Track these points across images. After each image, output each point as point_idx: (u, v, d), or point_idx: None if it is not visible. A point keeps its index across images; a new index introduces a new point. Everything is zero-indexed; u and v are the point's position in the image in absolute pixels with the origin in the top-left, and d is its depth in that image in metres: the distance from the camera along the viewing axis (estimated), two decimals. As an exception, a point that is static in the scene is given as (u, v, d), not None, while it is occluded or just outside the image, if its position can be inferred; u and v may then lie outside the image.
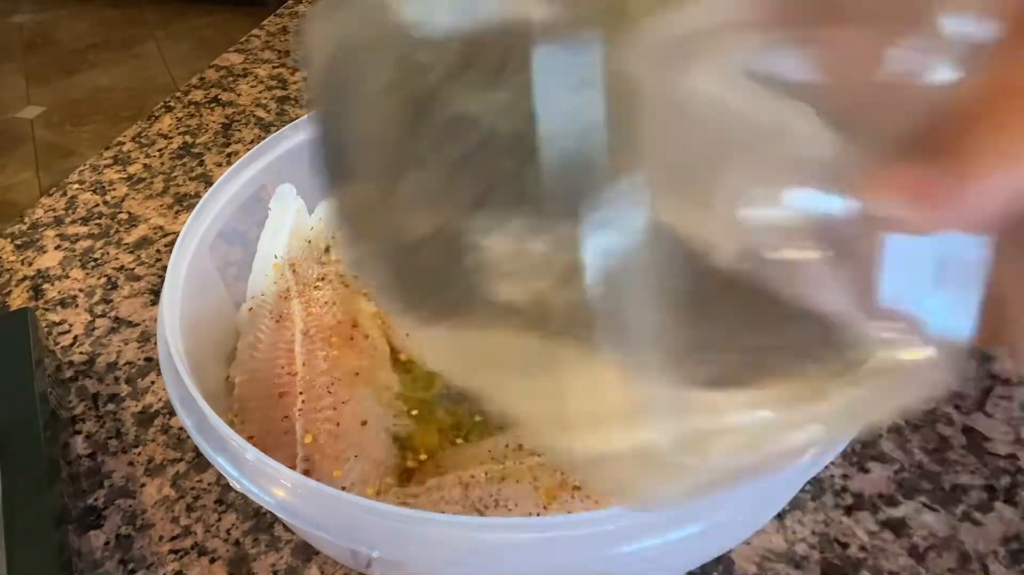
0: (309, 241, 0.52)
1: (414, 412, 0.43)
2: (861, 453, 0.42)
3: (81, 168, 0.70)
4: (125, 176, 0.68)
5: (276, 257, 0.51)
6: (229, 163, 0.64)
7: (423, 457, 0.40)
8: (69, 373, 0.51)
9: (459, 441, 0.41)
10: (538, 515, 0.34)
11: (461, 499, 0.35)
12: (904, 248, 0.18)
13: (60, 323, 0.54)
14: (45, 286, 0.57)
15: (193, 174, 0.68)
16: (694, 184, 0.18)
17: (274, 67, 0.83)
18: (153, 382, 0.50)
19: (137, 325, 0.54)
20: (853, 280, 0.18)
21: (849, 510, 0.40)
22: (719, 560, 0.38)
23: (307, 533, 0.37)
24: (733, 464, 0.20)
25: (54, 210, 0.65)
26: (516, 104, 0.18)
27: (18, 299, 0.57)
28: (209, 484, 0.43)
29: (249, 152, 0.50)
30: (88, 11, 2.81)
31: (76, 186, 0.67)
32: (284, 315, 0.47)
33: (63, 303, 0.56)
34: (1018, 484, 0.40)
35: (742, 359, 0.19)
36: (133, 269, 0.58)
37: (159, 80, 2.52)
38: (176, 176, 0.68)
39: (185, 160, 0.70)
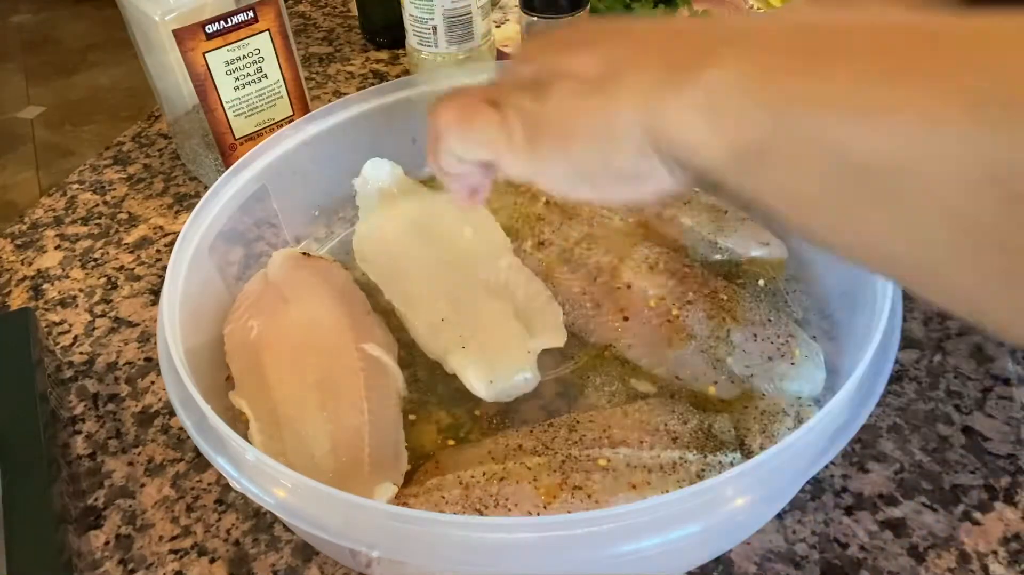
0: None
1: (413, 415, 0.43)
2: (861, 453, 0.42)
3: (81, 168, 0.70)
4: (125, 176, 0.68)
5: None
6: (229, 163, 0.64)
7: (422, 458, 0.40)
8: (69, 373, 0.51)
9: (459, 441, 0.41)
10: (538, 515, 0.34)
11: (461, 499, 0.35)
12: None
13: (60, 323, 0.54)
14: (45, 286, 0.58)
15: (193, 174, 0.68)
16: None
17: (274, 67, 0.83)
18: (153, 382, 0.50)
19: (137, 325, 0.54)
20: None
21: (849, 510, 0.40)
22: (719, 560, 0.38)
23: (307, 533, 0.37)
24: None
25: (54, 210, 0.65)
26: None
27: (18, 299, 0.57)
28: (209, 484, 0.43)
29: (249, 152, 0.50)
30: (88, 11, 2.80)
31: (76, 186, 0.68)
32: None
33: (63, 303, 0.56)
34: (1018, 484, 0.40)
35: None
36: (133, 269, 0.58)
37: (159, 80, 2.51)
38: (176, 176, 0.68)
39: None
